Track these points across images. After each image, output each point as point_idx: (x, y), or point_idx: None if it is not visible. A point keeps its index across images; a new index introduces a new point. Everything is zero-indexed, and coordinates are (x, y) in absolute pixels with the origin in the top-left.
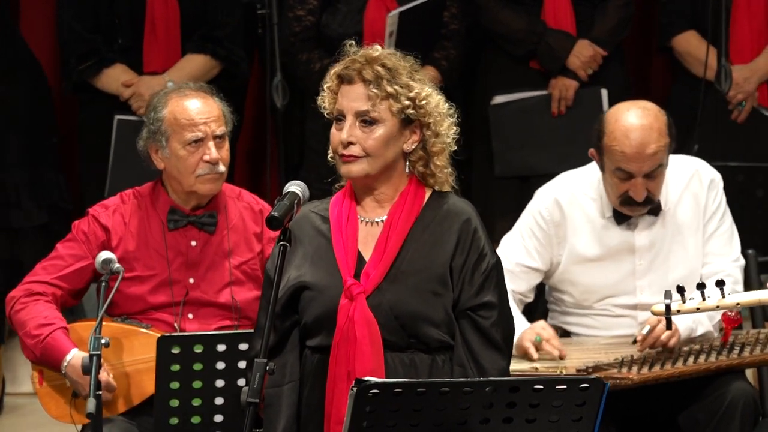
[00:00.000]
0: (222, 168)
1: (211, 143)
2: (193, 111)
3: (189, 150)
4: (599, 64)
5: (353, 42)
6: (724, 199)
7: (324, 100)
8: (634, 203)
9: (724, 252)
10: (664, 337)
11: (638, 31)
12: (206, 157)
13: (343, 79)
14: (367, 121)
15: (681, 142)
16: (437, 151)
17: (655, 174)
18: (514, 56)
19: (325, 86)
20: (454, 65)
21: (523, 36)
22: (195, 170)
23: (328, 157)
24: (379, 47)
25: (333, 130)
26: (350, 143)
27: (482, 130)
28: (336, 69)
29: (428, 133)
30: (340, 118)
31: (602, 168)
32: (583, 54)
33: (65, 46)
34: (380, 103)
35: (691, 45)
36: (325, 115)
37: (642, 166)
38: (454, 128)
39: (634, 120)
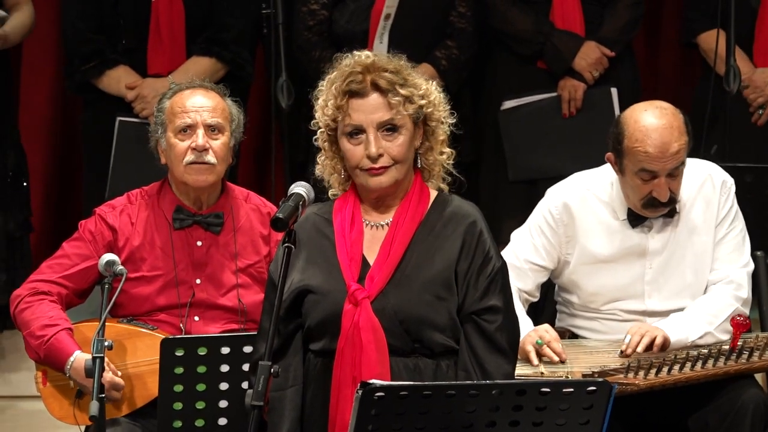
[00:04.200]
0: (211, 158)
1: (200, 131)
2: (187, 100)
3: (180, 138)
4: (606, 66)
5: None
6: (736, 203)
7: (323, 116)
8: (658, 204)
9: (731, 258)
10: (647, 336)
11: (648, 29)
12: (192, 144)
13: (353, 94)
14: (389, 129)
15: (700, 140)
16: (443, 140)
17: (677, 173)
18: (521, 56)
19: (328, 103)
20: (456, 66)
21: (530, 36)
22: (183, 158)
23: (340, 174)
24: (369, 53)
25: (350, 146)
26: (379, 155)
27: (491, 132)
28: (339, 85)
29: (433, 124)
30: (357, 133)
31: (622, 171)
32: (590, 56)
33: (68, 45)
34: (402, 109)
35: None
36: (322, 129)
37: (666, 165)
38: (447, 106)
39: (653, 120)
